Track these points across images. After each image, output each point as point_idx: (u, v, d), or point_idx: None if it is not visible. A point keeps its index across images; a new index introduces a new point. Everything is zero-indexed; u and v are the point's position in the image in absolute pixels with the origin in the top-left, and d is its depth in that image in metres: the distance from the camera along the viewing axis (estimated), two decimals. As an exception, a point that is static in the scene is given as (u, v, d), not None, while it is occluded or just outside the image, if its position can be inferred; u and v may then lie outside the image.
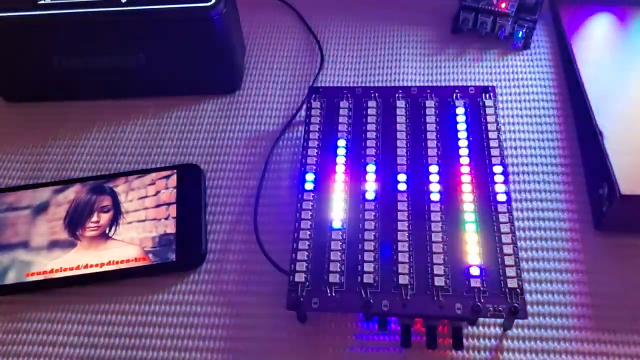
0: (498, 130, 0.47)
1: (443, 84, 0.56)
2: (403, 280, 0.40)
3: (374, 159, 0.47)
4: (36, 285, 0.45)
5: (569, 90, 0.54)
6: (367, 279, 0.41)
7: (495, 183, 0.44)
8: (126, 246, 0.47)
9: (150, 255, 0.46)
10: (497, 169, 0.45)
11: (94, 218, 0.48)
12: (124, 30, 0.52)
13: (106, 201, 0.49)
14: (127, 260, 0.46)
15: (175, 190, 0.49)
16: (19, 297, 0.46)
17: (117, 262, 0.46)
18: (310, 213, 0.44)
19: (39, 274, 0.46)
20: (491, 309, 0.39)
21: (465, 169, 0.45)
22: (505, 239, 0.42)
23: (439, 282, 0.40)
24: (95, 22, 0.51)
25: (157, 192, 0.49)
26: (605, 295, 0.43)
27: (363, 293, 0.40)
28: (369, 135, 0.48)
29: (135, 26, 0.51)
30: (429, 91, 0.50)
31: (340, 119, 0.49)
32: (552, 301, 0.43)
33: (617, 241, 0.45)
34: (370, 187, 0.45)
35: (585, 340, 0.41)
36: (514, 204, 0.47)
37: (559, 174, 0.49)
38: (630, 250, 0.45)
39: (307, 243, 0.43)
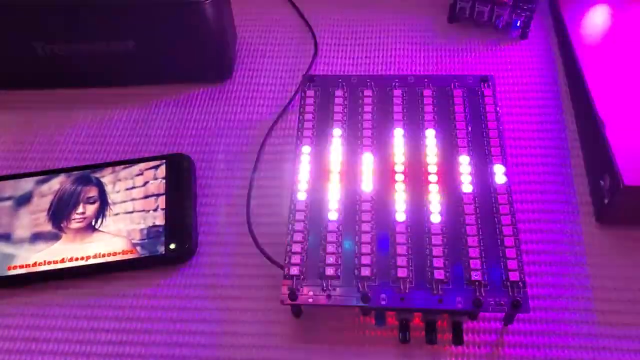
0: (497, 120, 0.46)
1: (439, 74, 0.55)
2: (401, 273, 0.39)
3: (370, 148, 0.45)
4: (18, 279, 0.44)
5: (567, 80, 0.53)
6: (365, 271, 0.39)
7: (495, 174, 0.43)
8: (113, 238, 0.45)
9: (139, 248, 0.44)
10: (497, 159, 0.44)
11: (80, 209, 0.47)
12: (112, 15, 0.50)
13: (92, 192, 0.47)
14: (114, 253, 0.44)
15: (164, 181, 0.48)
16: (0, 292, 0.44)
17: (103, 255, 0.44)
18: (305, 204, 0.43)
19: (21, 267, 0.44)
20: (493, 302, 0.38)
21: (464, 159, 0.44)
22: (507, 230, 0.40)
23: (438, 275, 0.39)
24: (82, 7, 0.49)
25: (146, 183, 0.48)
26: (608, 288, 0.42)
27: (360, 286, 0.39)
28: (365, 125, 0.47)
29: (123, 11, 0.50)
30: (426, 80, 0.49)
31: (336, 108, 0.48)
32: (553, 295, 0.42)
33: (619, 233, 0.44)
34: (367, 177, 0.44)
35: (588, 334, 0.40)
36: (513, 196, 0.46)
37: (559, 165, 0.48)
38: (633, 242, 0.44)
39: (302, 235, 0.41)
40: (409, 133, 0.46)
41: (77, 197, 0.47)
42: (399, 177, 0.44)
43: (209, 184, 0.49)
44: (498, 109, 0.47)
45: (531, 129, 0.50)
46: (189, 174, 0.48)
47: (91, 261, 0.44)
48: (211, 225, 0.47)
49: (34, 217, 0.46)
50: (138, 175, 0.48)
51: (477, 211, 0.42)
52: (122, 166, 0.49)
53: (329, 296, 0.39)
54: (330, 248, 0.41)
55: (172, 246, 0.44)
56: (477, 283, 0.38)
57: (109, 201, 0.47)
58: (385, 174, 0.44)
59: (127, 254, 0.44)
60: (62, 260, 0.44)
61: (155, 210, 0.46)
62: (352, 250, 0.41)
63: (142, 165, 0.49)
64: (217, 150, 0.51)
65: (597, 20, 0.54)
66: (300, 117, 0.47)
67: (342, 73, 0.56)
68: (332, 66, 0.56)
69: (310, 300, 0.39)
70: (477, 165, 0.44)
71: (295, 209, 0.42)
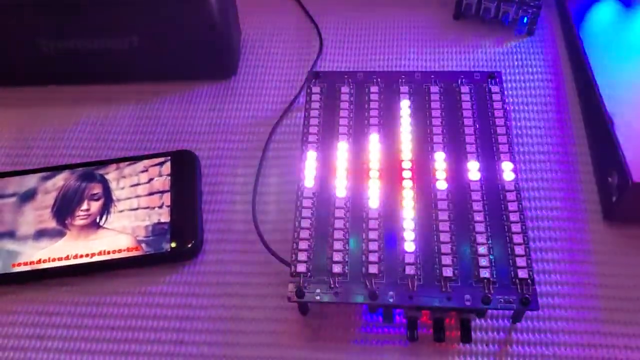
0: (505, 117, 0.46)
1: (446, 70, 0.54)
2: (409, 270, 0.39)
3: (377, 145, 0.45)
4: (23, 276, 0.43)
5: (575, 77, 0.53)
6: (372, 269, 0.39)
7: (503, 171, 0.43)
8: (118, 235, 0.45)
9: (143, 245, 0.44)
10: (505, 156, 0.44)
11: (84, 206, 0.46)
12: (116, 10, 0.50)
13: (97, 189, 0.47)
14: (119, 251, 0.44)
15: (169, 178, 0.47)
16: (4, 289, 0.44)
17: (108, 252, 0.44)
18: (311, 201, 0.42)
19: (25, 264, 0.44)
20: (501, 300, 0.37)
21: (472, 156, 0.44)
22: (515, 228, 0.40)
23: (446, 272, 0.39)
24: (85, 3, 0.49)
25: (151, 180, 0.47)
26: (616, 286, 0.42)
27: (367, 284, 0.39)
28: (371, 121, 0.47)
29: (127, 6, 0.49)
30: (433, 76, 0.49)
31: (342, 105, 0.48)
32: (562, 293, 0.42)
33: (627, 231, 0.44)
34: (374, 174, 0.44)
35: (596, 332, 0.40)
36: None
37: (566, 162, 0.48)
38: (640, 240, 0.44)
39: (309, 232, 0.41)
40: (415, 129, 0.46)
41: (81, 194, 0.47)
42: (406, 174, 0.43)
43: (214, 181, 0.49)
44: (506, 105, 0.46)
45: (537, 126, 0.50)
46: (194, 170, 0.48)
47: (96, 258, 0.44)
48: (217, 223, 0.46)
49: (38, 214, 0.46)
50: (143, 172, 0.48)
51: (486, 208, 0.41)
52: (127, 163, 0.48)
53: (336, 294, 0.39)
54: (337, 245, 0.40)
55: (177, 243, 0.44)
56: (485, 280, 0.38)
57: (114, 198, 0.47)
58: (392, 171, 0.44)
59: (132, 251, 0.44)
60: (67, 258, 0.44)
61: (160, 207, 0.46)
62: (360, 248, 0.40)
63: (146, 162, 0.48)
64: (223, 147, 0.51)
65: (603, 15, 0.53)
66: (306, 114, 0.47)
67: (346, 70, 0.55)
68: (337, 62, 0.56)
69: (317, 297, 0.38)
70: (484, 162, 0.44)
71: (301, 206, 0.42)
